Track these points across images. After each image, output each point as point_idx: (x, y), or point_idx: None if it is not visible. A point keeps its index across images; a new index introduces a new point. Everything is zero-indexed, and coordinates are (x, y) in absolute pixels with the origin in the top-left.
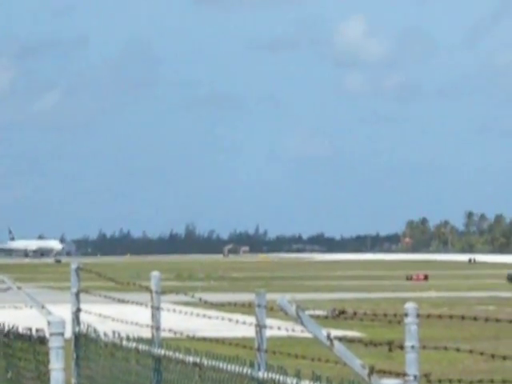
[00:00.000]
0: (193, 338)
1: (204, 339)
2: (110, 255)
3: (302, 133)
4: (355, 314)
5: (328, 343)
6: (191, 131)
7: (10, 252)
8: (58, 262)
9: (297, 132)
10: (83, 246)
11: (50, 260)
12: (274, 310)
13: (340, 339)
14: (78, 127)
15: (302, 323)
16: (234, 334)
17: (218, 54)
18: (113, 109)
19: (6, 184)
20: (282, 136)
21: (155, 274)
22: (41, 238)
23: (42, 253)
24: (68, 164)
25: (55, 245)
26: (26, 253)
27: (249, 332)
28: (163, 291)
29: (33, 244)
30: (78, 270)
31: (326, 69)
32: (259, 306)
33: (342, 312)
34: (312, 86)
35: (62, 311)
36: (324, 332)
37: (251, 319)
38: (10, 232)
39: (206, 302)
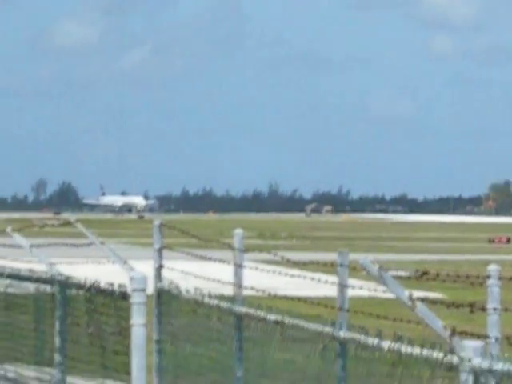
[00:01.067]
0: (274, 297)
1: (286, 298)
2: (193, 212)
3: (387, 93)
4: (437, 275)
5: (410, 304)
6: (277, 90)
7: (101, 208)
8: (141, 218)
9: (382, 92)
10: (166, 203)
11: (133, 216)
12: (356, 270)
13: (422, 300)
14: (164, 84)
15: (384, 283)
16: (316, 293)
17: (307, 13)
18: (200, 66)
19: (90, 140)
20: (368, 96)
21: (238, 231)
22: (124, 194)
23: (128, 209)
24: (153, 121)
25: (139, 201)
26: (112, 208)
27: (331, 291)
28: (246, 249)
29: (119, 200)
30: (161, 226)
31: (415, 30)
32: (342, 265)
33: (425, 273)
34: (400, 46)
35: (144, 267)
36: (406, 293)
37: (333, 279)
38: (102, 188)
39: (288, 261)
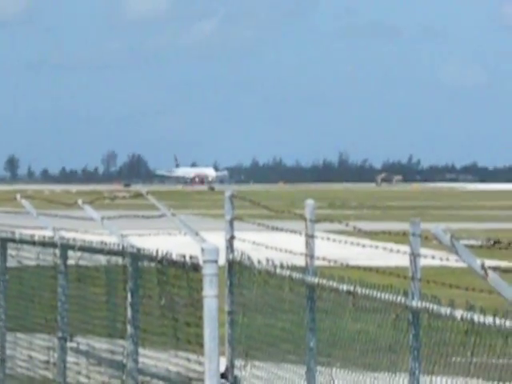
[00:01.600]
0: (346, 267)
1: (357, 268)
2: (263, 183)
3: (458, 63)
4: (510, 243)
5: (482, 273)
6: (347, 60)
7: (172, 179)
8: (212, 189)
9: (453, 62)
10: (236, 174)
11: (203, 187)
12: (427, 240)
13: (494, 269)
14: (234, 56)
15: (456, 252)
16: (387, 262)
17: None
18: (269, 37)
19: (161, 111)
20: (438, 65)
21: (309, 202)
22: (194, 165)
23: (201, 180)
24: (222, 92)
25: (210, 172)
26: (184, 180)
27: (402, 261)
28: (317, 219)
29: (191, 171)
30: (232, 197)
31: None
32: (414, 234)
33: (497, 242)
34: (470, 15)
35: (216, 239)
36: (478, 261)
37: (405, 248)
38: (176, 159)
39: (359, 231)
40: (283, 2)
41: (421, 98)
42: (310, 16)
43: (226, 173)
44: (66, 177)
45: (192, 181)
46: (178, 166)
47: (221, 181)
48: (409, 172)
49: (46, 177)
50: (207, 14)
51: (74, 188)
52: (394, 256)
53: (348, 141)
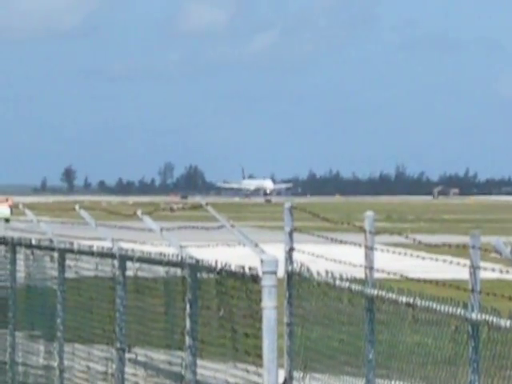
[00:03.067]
0: (405, 279)
1: (416, 280)
2: (319, 195)
3: None
4: None
5: None
6: (406, 72)
7: (228, 191)
8: (269, 201)
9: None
10: (293, 186)
11: (260, 199)
12: (486, 252)
13: None
14: (292, 68)
15: None
16: (444, 275)
17: None
18: (329, 49)
19: (218, 123)
20: (496, 78)
21: (369, 213)
22: (251, 177)
23: (264, 192)
24: (280, 104)
25: (268, 184)
26: (243, 192)
27: (458, 274)
28: (377, 232)
29: (252, 184)
30: (291, 209)
31: None
32: (474, 247)
33: None
34: None
35: (274, 250)
36: None
37: (463, 261)
38: (243, 171)
39: (420, 243)
40: (342, 15)
41: (478, 111)
42: (370, 28)
43: (290, 185)
44: (123, 188)
45: (252, 193)
46: (244, 177)
47: (278, 193)
48: (466, 185)
49: (103, 188)
50: (266, 26)
51: (130, 199)
52: (451, 269)
53: (405, 153)
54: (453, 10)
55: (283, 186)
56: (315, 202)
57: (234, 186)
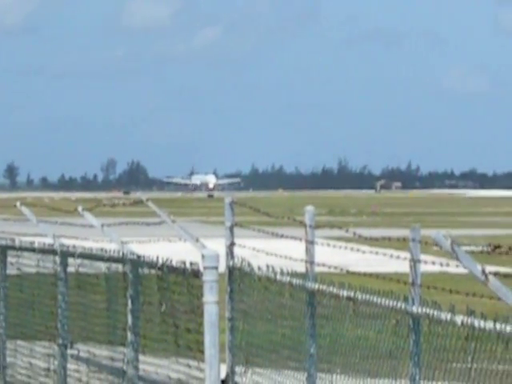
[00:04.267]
0: (346, 273)
1: (357, 274)
2: (262, 190)
3: (458, 69)
4: (510, 249)
5: (483, 278)
6: (348, 67)
7: (171, 187)
8: (211, 196)
9: (453, 68)
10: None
11: (202, 195)
12: (427, 245)
13: (495, 274)
14: (234, 63)
15: (457, 258)
16: (386, 269)
17: None
18: (270, 45)
19: (160, 119)
20: (438, 72)
21: (309, 208)
22: (192, 173)
23: (213, 187)
24: (222, 99)
25: (211, 179)
26: (187, 188)
27: (401, 267)
28: (317, 226)
29: (198, 179)
30: (232, 204)
31: (488, 4)
32: (414, 240)
33: (497, 247)
34: (473, 21)
35: (215, 245)
36: (479, 267)
37: (404, 254)
38: (192, 168)
39: (360, 237)
40: (286, 10)
41: (420, 105)
42: (313, 23)
43: (238, 180)
44: (65, 184)
45: (195, 188)
46: (192, 173)
47: (222, 188)
48: (408, 178)
49: (45, 184)
50: (210, 21)
51: (73, 195)
52: (393, 262)
53: (347, 147)
54: (394, 5)
55: (230, 180)
56: (258, 196)
57: (180, 181)
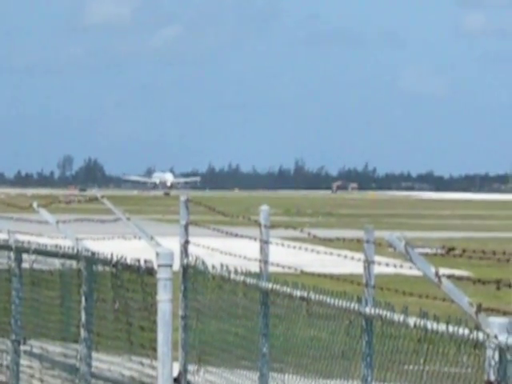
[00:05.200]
0: (300, 273)
1: (311, 274)
2: (219, 189)
3: (416, 70)
4: (464, 251)
5: (436, 280)
6: (306, 66)
7: (127, 184)
8: (167, 194)
9: (411, 69)
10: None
11: (158, 193)
12: (381, 247)
13: (448, 277)
14: (195, 62)
15: (410, 260)
16: (341, 270)
17: None
18: (233, 44)
19: (118, 116)
20: (396, 73)
21: (264, 208)
22: (149, 171)
23: (169, 186)
24: (180, 98)
25: (168, 177)
26: (154, 185)
27: (356, 268)
28: (272, 225)
29: (156, 177)
30: (187, 202)
31: (447, 7)
32: (368, 241)
33: (451, 249)
34: (432, 23)
35: (170, 244)
36: (432, 269)
37: (359, 255)
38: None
39: (315, 237)
40: (247, 9)
41: (378, 106)
42: (274, 22)
43: (198, 178)
44: (22, 180)
45: (154, 186)
46: (154, 171)
47: (178, 187)
48: (364, 180)
49: (1, 180)
50: (171, 19)
51: (29, 192)
52: (348, 263)
53: (304, 148)
54: (355, 5)
55: (189, 179)
56: (214, 195)
57: (139, 179)
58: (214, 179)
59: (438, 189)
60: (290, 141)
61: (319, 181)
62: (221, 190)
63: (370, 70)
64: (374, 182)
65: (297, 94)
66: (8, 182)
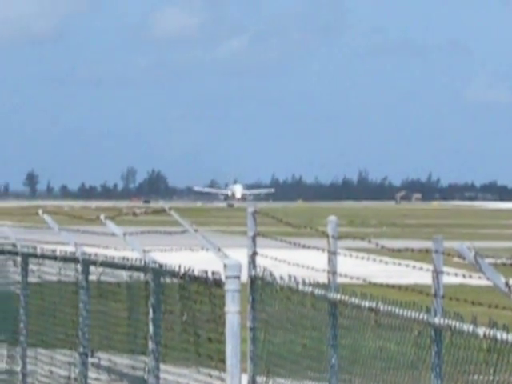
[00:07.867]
0: (368, 284)
1: (379, 285)
2: (282, 200)
3: (481, 80)
4: None
5: (506, 290)
6: (371, 78)
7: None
8: (231, 206)
9: (476, 79)
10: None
11: (222, 204)
12: (449, 257)
13: None
14: (261, 73)
15: (480, 270)
16: (406, 280)
17: (403, 1)
18: (299, 55)
19: (182, 128)
20: (460, 83)
21: (332, 218)
22: (213, 182)
23: (240, 197)
24: (243, 110)
25: (238, 189)
26: (226, 197)
27: (420, 278)
28: (339, 236)
29: (230, 189)
30: (255, 213)
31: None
32: (436, 251)
33: None
34: (498, 32)
35: (237, 255)
36: (502, 279)
37: (425, 265)
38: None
39: (383, 248)
40: (312, 21)
41: (442, 116)
42: (339, 34)
43: (272, 190)
44: (85, 193)
45: (226, 198)
46: (235, 182)
47: (249, 199)
48: (428, 190)
49: (65, 192)
50: (237, 31)
51: (93, 204)
52: (413, 273)
53: (368, 158)
54: (420, 16)
55: (261, 191)
56: (278, 207)
57: (212, 190)
58: (278, 190)
59: (501, 198)
60: (353, 151)
61: (382, 191)
62: (284, 201)
63: (433, 80)
64: (438, 193)
65: (360, 104)
66: (72, 195)
